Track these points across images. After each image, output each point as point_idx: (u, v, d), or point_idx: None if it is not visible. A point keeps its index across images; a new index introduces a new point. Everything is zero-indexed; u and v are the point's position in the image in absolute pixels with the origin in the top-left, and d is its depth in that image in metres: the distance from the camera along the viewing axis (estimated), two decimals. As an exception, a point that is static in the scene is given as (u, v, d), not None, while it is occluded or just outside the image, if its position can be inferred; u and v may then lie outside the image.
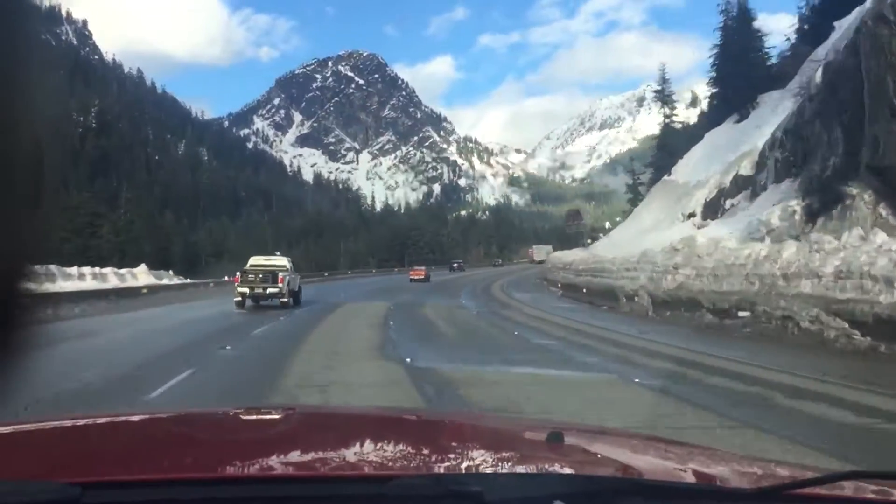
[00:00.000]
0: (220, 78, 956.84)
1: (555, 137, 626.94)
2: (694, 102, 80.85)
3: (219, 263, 71.49)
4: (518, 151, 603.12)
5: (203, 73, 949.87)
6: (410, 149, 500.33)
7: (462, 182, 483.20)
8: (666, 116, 67.10)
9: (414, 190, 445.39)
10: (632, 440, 2.12)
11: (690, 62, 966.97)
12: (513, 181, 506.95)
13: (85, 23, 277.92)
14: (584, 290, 25.31)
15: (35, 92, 0.70)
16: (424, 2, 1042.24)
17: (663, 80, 67.93)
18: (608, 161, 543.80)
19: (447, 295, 34.63)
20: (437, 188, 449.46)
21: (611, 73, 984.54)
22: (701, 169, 38.21)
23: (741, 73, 42.07)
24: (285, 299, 25.44)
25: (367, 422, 2.34)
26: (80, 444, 1.74)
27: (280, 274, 25.58)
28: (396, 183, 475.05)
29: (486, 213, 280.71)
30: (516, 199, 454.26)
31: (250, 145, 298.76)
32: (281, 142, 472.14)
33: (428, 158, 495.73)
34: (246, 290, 25.12)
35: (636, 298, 18.12)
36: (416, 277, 57.55)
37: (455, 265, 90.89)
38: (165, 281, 35.22)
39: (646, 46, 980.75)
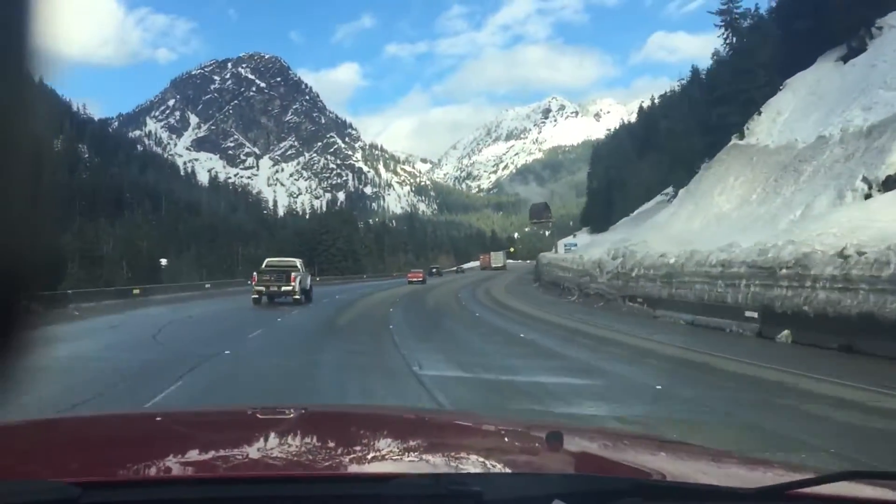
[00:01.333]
0: (113, 78, 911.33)
1: (461, 147, 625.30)
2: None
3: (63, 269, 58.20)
4: (424, 161, 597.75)
5: (95, 73, 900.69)
6: (314, 155, 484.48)
7: (368, 190, 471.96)
8: (727, 42, 44.41)
9: (318, 198, 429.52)
10: (631, 440, 2.12)
11: (594, 76, 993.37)
12: (420, 190, 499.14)
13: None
14: None
15: (37, 103, 0.71)
16: (331, 10, 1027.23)
17: None
18: (514, 172, 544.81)
19: (522, 349, 15.06)
20: (341, 196, 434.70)
21: (517, 84, 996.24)
22: (811, 125, 28.02)
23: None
24: (297, 296, 27.53)
25: (368, 421, 2.32)
26: (80, 444, 1.73)
27: (292, 273, 27.92)
28: (299, 190, 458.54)
29: (394, 221, 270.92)
30: (423, 207, 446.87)
31: (141, 148, 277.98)
32: (175, 145, 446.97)
33: (332, 165, 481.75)
34: (262, 288, 27.53)
35: None
36: (414, 280, 60.30)
37: (434, 270, 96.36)
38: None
39: (551, 60, 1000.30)
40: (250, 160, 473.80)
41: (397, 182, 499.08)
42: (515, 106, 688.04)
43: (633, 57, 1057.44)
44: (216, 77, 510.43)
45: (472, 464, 1.57)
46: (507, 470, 1.49)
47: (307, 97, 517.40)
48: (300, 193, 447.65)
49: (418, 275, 63.94)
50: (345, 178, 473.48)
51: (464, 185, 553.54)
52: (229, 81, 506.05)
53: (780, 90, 35.46)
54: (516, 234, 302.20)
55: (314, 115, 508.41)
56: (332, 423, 2.20)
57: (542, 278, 46.68)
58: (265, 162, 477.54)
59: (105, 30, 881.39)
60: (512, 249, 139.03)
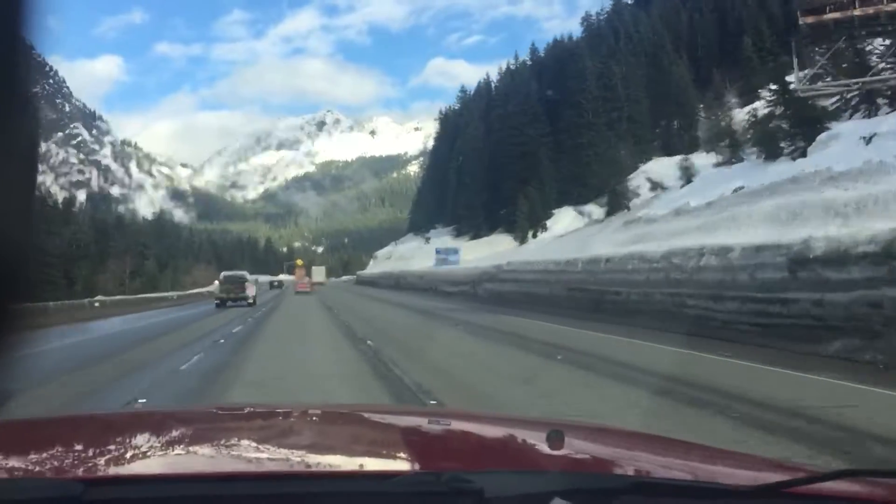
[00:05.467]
0: None
1: (227, 154, 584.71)
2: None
3: None
4: (185, 165, 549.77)
5: None
6: (52, 146, 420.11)
7: (115, 191, 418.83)
8: None
9: (52, 196, 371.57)
10: (632, 438, 2.18)
11: (372, 95, 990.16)
12: (177, 195, 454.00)
13: None
14: None
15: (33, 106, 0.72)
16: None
17: None
18: (283, 183, 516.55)
19: None
20: (81, 195, 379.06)
21: (293, 94, 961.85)
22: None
23: None
24: (250, 300, 34.75)
25: (368, 420, 2.35)
26: (82, 442, 1.73)
27: (246, 283, 35.81)
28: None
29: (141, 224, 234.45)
30: (180, 214, 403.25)
31: None
32: None
33: (74, 160, 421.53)
34: (224, 294, 34.77)
35: None
36: (303, 290, 58.99)
37: (275, 283, 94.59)
38: None
39: (331, 74, 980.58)
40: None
41: (151, 184, 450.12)
42: (289, 116, 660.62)
43: (412, 80, 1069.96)
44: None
45: (473, 461, 1.57)
46: (508, 467, 1.47)
47: (50, 80, 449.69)
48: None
49: (304, 286, 63.60)
50: (88, 175, 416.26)
51: (228, 195, 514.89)
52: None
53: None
54: (284, 249, 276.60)
55: (57, 101, 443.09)
56: (334, 421, 2.20)
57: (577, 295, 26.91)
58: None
59: None
60: (300, 262, 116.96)
